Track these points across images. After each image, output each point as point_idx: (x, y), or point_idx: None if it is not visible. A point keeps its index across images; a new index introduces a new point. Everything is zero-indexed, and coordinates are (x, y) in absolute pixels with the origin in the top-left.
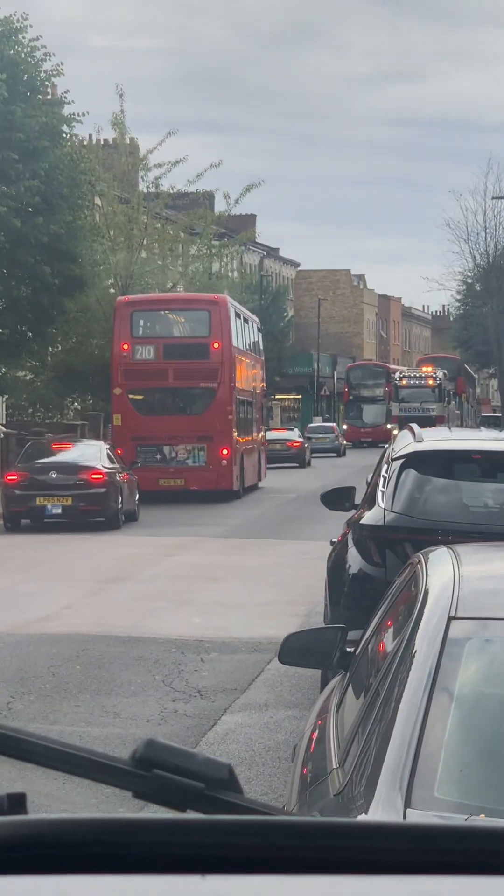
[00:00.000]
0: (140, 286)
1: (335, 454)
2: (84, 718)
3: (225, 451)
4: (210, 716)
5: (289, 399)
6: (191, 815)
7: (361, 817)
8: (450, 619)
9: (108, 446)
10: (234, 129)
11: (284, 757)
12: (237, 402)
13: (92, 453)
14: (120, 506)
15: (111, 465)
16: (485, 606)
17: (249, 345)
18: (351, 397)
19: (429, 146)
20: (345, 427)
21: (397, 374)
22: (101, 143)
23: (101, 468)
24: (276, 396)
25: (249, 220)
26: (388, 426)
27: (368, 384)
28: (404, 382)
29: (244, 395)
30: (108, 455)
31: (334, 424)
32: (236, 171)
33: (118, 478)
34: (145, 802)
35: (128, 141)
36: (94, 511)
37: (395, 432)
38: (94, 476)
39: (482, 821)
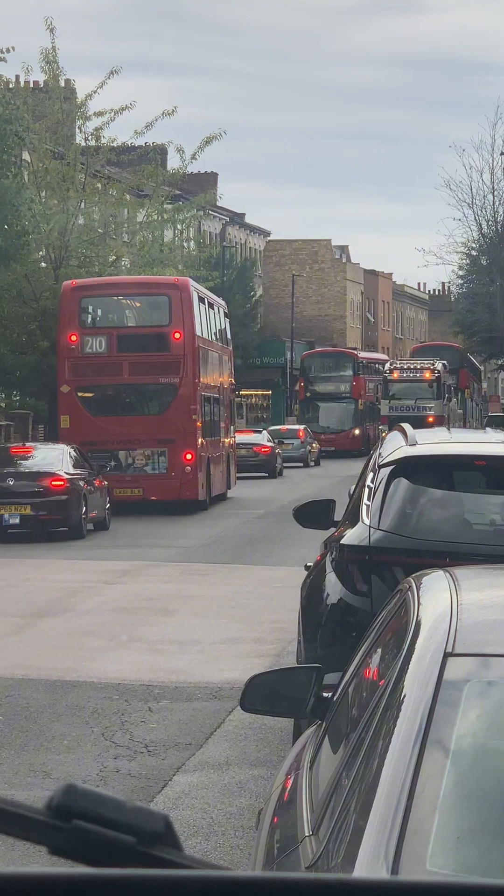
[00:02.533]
0: (76, 259)
1: (300, 464)
2: (6, 779)
3: (189, 457)
4: (159, 776)
5: (257, 395)
6: (116, 870)
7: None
8: (446, 656)
9: (72, 449)
10: (190, 71)
11: (248, 825)
12: (202, 400)
13: (54, 458)
14: (84, 514)
15: (75, 471)
16: (487, 641)
17: (215, 333)
18: (307, 394)
19: (426, 92)
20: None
21: (387, 366)
22: (31, 86)
23: (63, 474)
24: (242, 392)
25: (209, 179)
26: (356, 432)
27: (330, 377)
28: (396, 375)
29: (210, 391)
30: (74, 459)
31: (301, 428)
32: (193, 121)
33: (82, 484)
34: (64, 860)
35: (62, 84)
36: (55, 521)
37: (384, 434)
38: (54, 483)
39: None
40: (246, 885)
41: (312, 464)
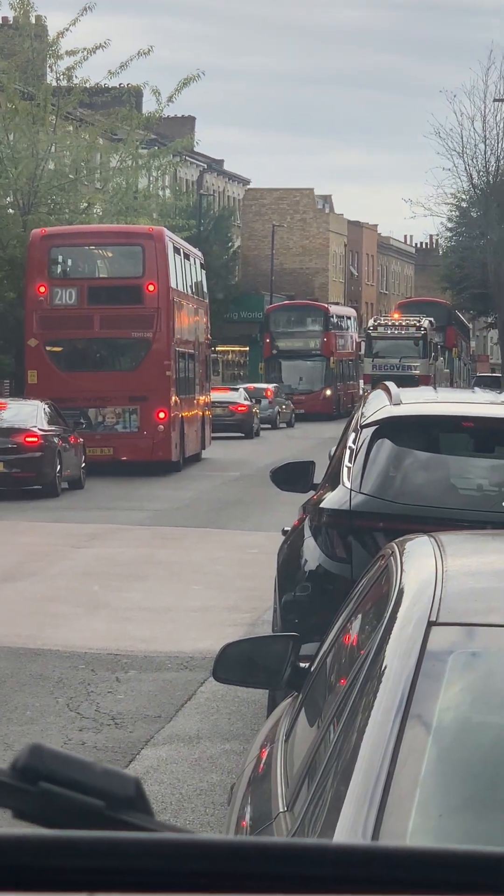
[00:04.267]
0: (46, 206)
1: (269, 426)
2: None
3: (162, 415)
4: (127, 749)
5: (234, 351)
6: (84, 833)
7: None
8: (429, 625)
9: (46, 406)
10: (166, 8)
11: (220, 801)
12: (176, 356)
13: (27, 413)
14: (59, 472)
15: (49, 428)
16: (474, 610)
17: (191, 286)
18: (274, 351)
19: (413, 34)
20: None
21: (371, 322)
22: None
23: (37, 430)
24: (219, 348)
25: (186, 123)
26: (327, 392)
27: (298, 333)
28: (379, 332)
29: (185, 346)
30: (48, 415)
31: (270, 387)
32: (170, 62)
33: (57, 441)
34: (29, 823)
35: (32, 20)
36: (28, 478)
37: (367, 393)
38: (28, 439)
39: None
40: (219, 849)
41: (283, 426)
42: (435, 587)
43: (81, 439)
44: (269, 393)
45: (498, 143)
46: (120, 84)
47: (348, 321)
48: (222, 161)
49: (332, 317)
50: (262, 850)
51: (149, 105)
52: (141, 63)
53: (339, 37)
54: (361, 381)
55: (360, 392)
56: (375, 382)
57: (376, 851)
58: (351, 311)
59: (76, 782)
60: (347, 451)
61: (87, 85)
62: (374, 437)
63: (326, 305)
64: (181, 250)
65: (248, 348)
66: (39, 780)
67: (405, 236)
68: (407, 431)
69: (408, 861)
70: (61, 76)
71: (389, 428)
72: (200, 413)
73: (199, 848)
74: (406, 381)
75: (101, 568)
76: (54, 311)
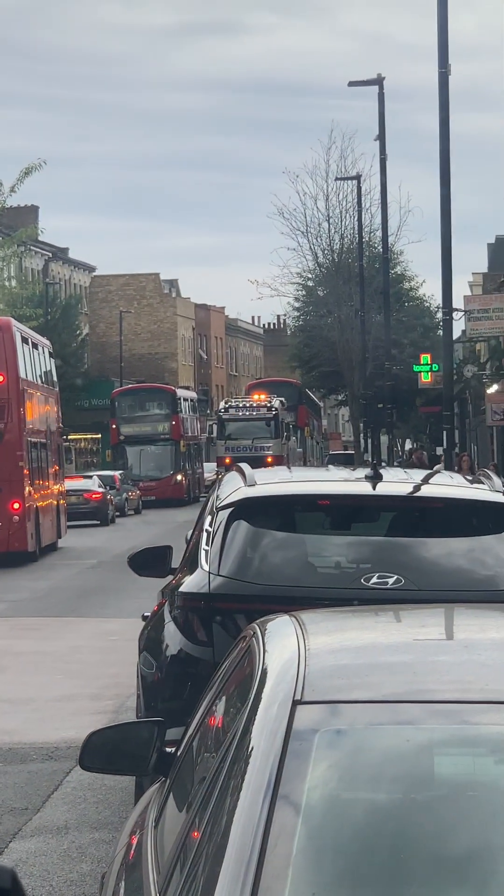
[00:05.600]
0: None
1: (118, 513)
2: None
3: (16, 506)
4: None
5: (86, 439)
6: None
7: None
8: (294, 704)
9: None
10: (5, 98)
11: (91, 892)
12: (29, 446)
13: None
14: None
15: None
16: (337, 687)
17: (40, 375)
18: (121, 437)
19: (254, 117)
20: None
21: (222, 405)
22: None
23: None
24: (70, 436)
25: (30, 213)
26: (178, 477)
27: (146, 417)
28: (231, 414)
29: (37, 436)
30: None
31: (116, 473)
32: (7, 151)
33: None
34: None
35: None
36: None
37: (222, 475)
38: None
39: None
40: None
41: (131, 513)
42: (298, 666)
43: None
44: (116, 479)
45: (341, 221)
46: None
47: (194, 403)
48: (67, 249)
49: (180, 399)
50: None
51: None
52: None
53: (177, 120)
54: (214, 464)
55: (206, 476)
56: (228, 466)
57: None
58: (193, 394)
59: None
60: (204, 534)
61: None
62: (231, 519)
63: (173, 387)
64: (29, 340)
65: (99, 435)
66: None
67: (253, 317)
68: (263, 512)
69: None
70: None
71: (245, 509)
72: (55, 502)
73: None
74: (259, 463)
75: None
76: None
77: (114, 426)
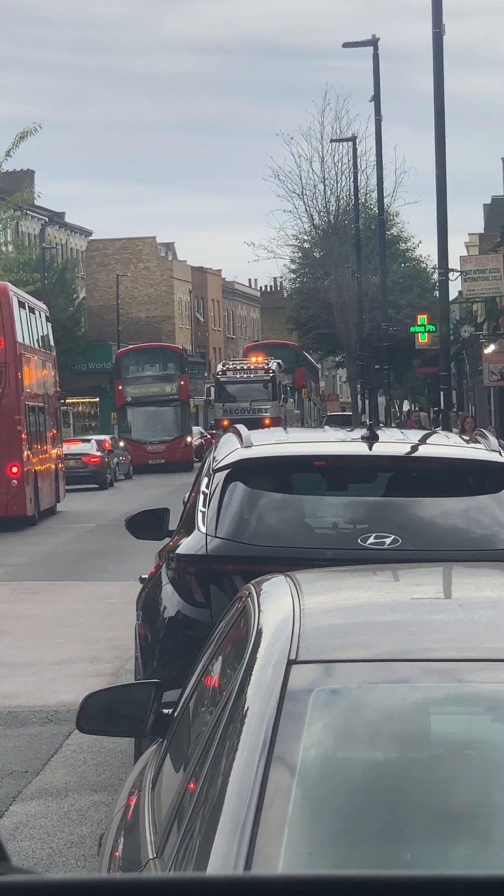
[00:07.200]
0: None
1: (96, 485)
2: None
3: (14, 469)
4: None
5: (84, 403)
6: None
7: None
8: (289, 664)
9: None
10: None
11: (91, 853)
12: (27, 410)
13: None
14: None
15: None
16: (332, 647)
17: (37, 339)
18: (127, 399)
19: (249, 79)
20: (121, 444)
21: (220, 367)
22: None
23: None
24: (68, 400)
25: (26, 177)
26: (188, 439)
27: (152, 378)
28: (228, 377)
29: (35, 400)
30: None
31: (106, 438)
32: (5, 116)
33: None
34: None
35: None
36: None
37: (219, 437)
38: None
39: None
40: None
41: (122, 477)
42: (293, 626)
43: None
44: (106, 444)
45: (337, 183)
46: None
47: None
48: (63, 213)
49: (188, 358)
50: (114, 887)
51: None
52: None
53: (173, 84)
54: (201, 428)
55: (201, 438)
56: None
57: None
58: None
59: None
60: (201, 496)
61: None
62: (227, 481)
63: (181, 347)
64: (26, 304)
65: (98, 399)
66: None
67: (250, 280)
68: (259, 473)
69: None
70: None
71: (241, 470)
72: (54, 466)
73: (51, 888)
74: (257, 425)
75: None
76: None
77: (119, 387)
